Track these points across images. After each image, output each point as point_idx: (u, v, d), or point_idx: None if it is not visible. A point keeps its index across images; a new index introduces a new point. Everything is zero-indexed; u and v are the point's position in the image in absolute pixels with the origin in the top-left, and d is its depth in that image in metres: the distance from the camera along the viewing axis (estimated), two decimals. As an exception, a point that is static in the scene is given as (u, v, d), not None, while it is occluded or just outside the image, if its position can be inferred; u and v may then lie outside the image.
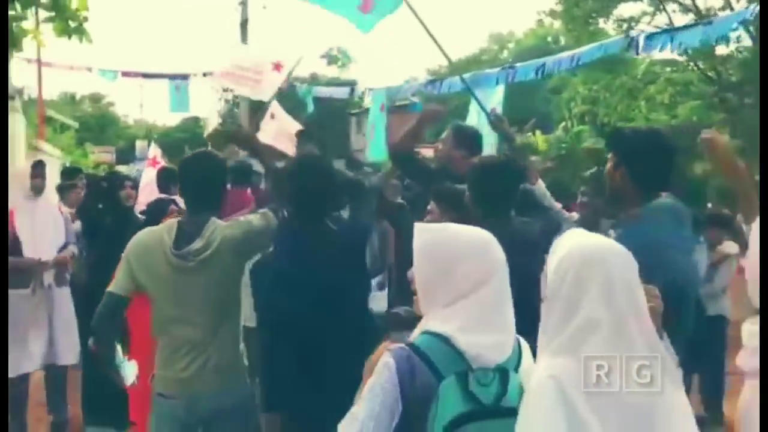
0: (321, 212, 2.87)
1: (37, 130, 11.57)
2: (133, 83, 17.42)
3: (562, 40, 26.53)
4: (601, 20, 15.73)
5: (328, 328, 2.73)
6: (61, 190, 6.67)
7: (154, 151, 9.55)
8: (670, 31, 5.53)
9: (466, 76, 7.99)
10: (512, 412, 1.54)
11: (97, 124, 36.26)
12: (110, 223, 4.60)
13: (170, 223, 2.72)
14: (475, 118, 7.02)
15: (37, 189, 4.59)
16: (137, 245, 2.69)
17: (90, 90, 40.40)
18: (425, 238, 1.76)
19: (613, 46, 5.97)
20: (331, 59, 37.50)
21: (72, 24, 6.96)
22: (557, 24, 20.21)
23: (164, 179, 6.38)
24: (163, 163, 8.90)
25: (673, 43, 5.27)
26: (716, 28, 5.05)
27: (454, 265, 1.70)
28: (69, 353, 4.60)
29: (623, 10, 16.03)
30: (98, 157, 23.82)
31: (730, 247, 5.23)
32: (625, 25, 16.05)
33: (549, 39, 30.83)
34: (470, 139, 3.76)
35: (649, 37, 5.57)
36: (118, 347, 2.77)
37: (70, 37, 7.09)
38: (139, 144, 28.72)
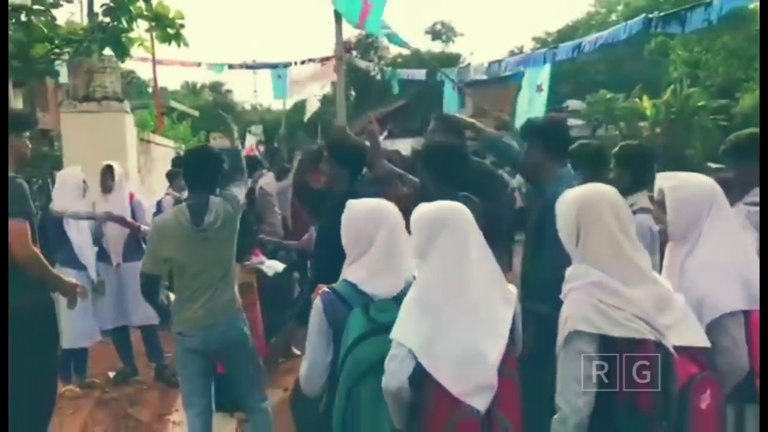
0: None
1: (156, 122, 12.89)
2: (247, 72, 18.64)
3: (674, -2, 25.32)
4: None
5: None
6: (170, 176, 7.63)
7: (250, 140, 10.58)
8: (680, 12, 5.62)
9: (518, 57, 8.52)
10: None
11: (216, 111, 38.42)
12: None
13: (180, 207, 3.51)
14: (526, 93, 7.62)
15: (106, 188, 5.52)
16: (160, 230, 3.50)
17: (209, 80, 43.20)
18: (344, 214, 2.48)
19: (635, 27, 6.15)
20: (436, 34, 37.70)
21: (171, 31, 8.00)
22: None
23: (247, 166, 7.32)
24: (257, 152, 9.87)
25: (685, 24, 5.41)
26: (718, 5, 5.10)
27: (353, 229, 2.43)
28: (140, 316, 5.47)
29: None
30: (218, 143, 25.06)
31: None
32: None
33: (660, -1, 29.45)
34: (455, 126, 4.08)
35: (664, 17, 5.75)
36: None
37: (170, 43, 8.15)
38: (254, 129, 30.44)
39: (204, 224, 3.40)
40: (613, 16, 33.96)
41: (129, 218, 5.53)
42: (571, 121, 25.49)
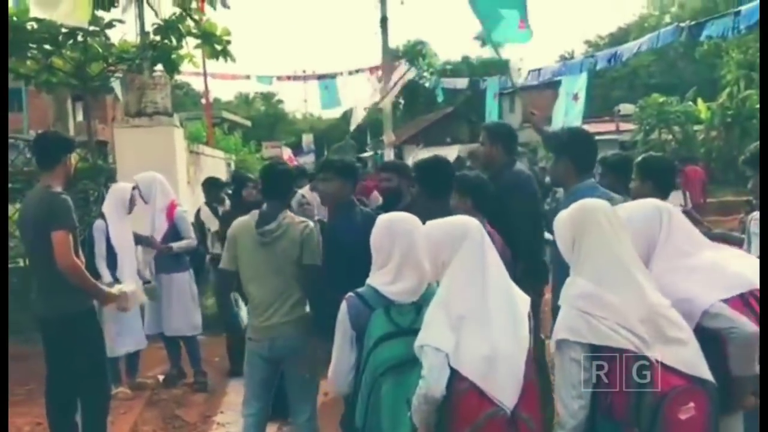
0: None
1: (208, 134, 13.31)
2: (297, 81, 19.03)
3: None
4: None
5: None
6: (205, 186, 7.71)
7: (286, 152, 10.89)
8: (706, 21, 5.61)
9: (556, 65, 8.58)
10: None
11: (267, 121, 39.28)
12: (233, 213, 5.58)
13: (254, 213, 3.73)
14: (563, 102, 7.67)
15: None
16: (236, 229, 3.74)
17: (261, 90, 44.16)
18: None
19: (667, 36, 6.14)
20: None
21: (218, 47, 8.32)
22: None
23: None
24: (295, 162, 10.16)
25: (713, 30, 5.41)
26: (748, 14, 5.06)
27: (375, 241, 2.64)
28: (173, 327, 5.63)
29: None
30: (269, 152, 25.72)
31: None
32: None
33: (717, -1, 28.73)
34: (503, 134, 4.16)
35: (696, 25, 5.74)
36: (234, 299, 3.85)
37: (217, 59, 8.47)
38: (305, 138, 30.97)
39: (264, 229, 3.61)
40: (667, 18, 33.31)
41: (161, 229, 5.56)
42: (623, 126, 25.13)
